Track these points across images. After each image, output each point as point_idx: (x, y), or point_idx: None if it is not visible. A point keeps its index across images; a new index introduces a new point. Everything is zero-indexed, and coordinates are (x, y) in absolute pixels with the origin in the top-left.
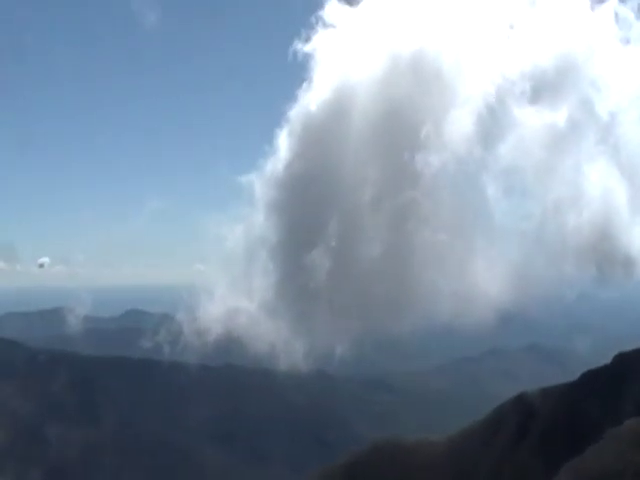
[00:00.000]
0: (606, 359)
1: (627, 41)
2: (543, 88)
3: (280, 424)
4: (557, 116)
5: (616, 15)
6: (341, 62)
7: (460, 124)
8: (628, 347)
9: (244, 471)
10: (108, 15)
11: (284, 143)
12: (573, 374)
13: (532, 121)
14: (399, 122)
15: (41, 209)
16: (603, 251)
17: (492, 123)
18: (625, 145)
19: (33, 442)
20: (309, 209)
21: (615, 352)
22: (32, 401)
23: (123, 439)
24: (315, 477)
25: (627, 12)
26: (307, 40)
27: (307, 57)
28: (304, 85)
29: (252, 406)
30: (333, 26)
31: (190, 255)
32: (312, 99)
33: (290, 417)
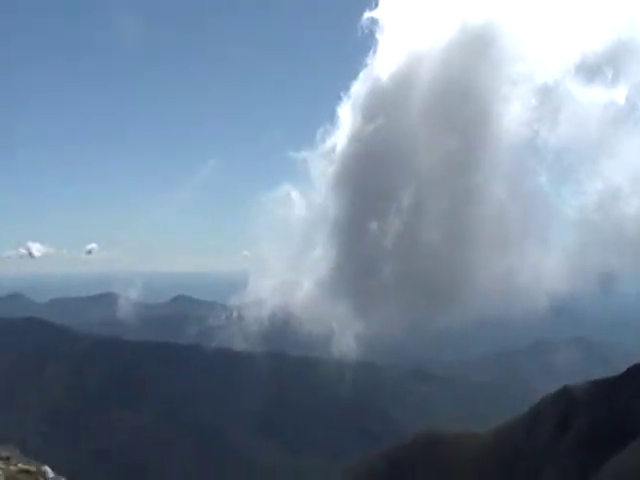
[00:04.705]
0: None
1: None
2: (600, 69)
3: (323, 413)
4: (616, 94)
5: None
6: (408, 31)
7: (516, 105)
8: None
9: (286, 459)
10: None
11: (346, 116)
12: (618, 369)
13: (589, 100)
14: (463, 95)
15: (88, 196)
16: None
17: (548, 103)
18: None
19: (77, 428)
20: (372, 184)
21: None
22: (77, 386)
23: (167, 426)
24: (357, 466)
25: None
26: (374, 7)
27: (374, 24)
28: (369, 54)
29: (296, 395)
30: None
31: (240, 240)
32: (379, 68)
33: (333, 406)
